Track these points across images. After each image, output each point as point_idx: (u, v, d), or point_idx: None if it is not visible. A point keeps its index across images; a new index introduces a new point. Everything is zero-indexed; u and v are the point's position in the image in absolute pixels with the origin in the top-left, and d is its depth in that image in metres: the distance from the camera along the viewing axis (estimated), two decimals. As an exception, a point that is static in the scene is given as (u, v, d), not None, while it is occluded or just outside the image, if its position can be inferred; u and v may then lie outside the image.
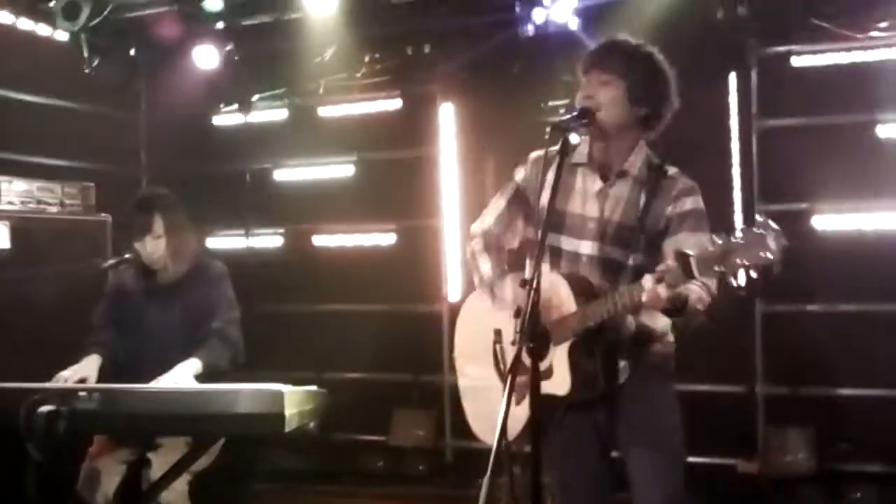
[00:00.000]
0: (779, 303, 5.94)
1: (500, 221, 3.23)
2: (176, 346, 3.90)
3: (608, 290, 2.87)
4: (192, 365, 3.81)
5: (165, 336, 4.03)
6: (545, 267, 2.97)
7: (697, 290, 2.76)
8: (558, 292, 2.93)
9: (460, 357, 3.35)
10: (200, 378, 3.77)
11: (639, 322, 2.97)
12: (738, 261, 2.42)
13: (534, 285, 2.53)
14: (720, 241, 2.47)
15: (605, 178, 3.01)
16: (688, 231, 2.89)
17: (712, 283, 2.80)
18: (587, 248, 2.98)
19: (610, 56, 2.96)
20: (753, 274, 2.46)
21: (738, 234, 2.44)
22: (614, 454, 3.11)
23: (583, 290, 2.89)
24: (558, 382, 2.91)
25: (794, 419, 5.78)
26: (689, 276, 2.52)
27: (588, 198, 3.01)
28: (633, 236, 2.93)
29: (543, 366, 2.94)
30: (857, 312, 5.66)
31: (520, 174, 3.18)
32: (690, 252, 2.52)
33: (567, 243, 3.02)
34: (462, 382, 3.30)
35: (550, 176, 3.05)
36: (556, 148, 3.10)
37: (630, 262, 2.94)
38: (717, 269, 2.46)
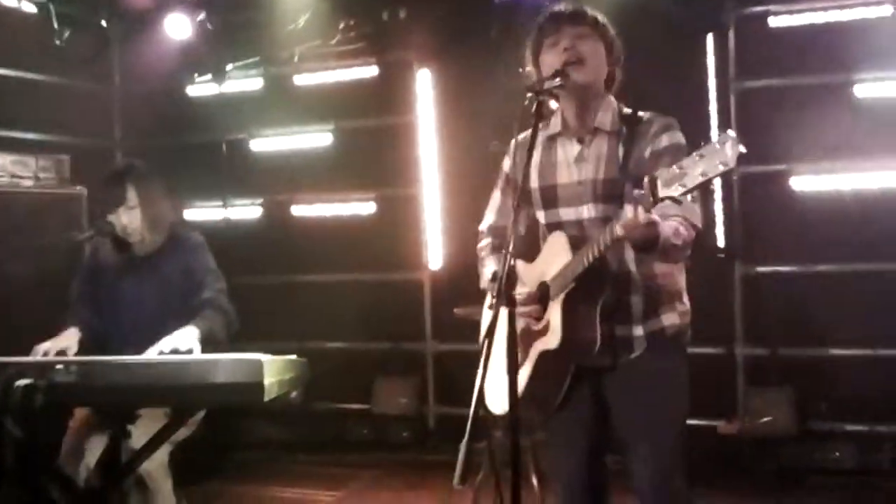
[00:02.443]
0: (758, 264, 5.96)
1: (501, 213, 3.27)
2: (153, 318, 3.86)
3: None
4: (191, 332, 3.75)
5: (142, 308, 4.00)
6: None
7: (673, 225, 2.75)
8: (555, 247, 2.95)
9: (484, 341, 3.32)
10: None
11: (643, 272, 2.93)
12: (697, 173, 2.43)
13: (509, 249, 2.52)
14: (684, 161, 2.48)
15: (581, 141, 3.01)
16: (665, 167, 2.87)
17: (695, 216, 2.82)
18: (584, 212, 2.98)
19: (580, 14, 2.97)
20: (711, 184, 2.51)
21: (699, 151, 2.45)
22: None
23: (578, 242, 2.88)
24: (551, 336, 2.90)
25: (774, 380, 5.83)
26: (656, 197, 2.52)
27: (571, 164, 3.01)
28: (621, 189, 2.91)
29: (542, 324, 2.95)
30: (835, 273, 5.69)
31: (506, 163, 3.21)
32: (657, 174, 2.53)
33: (566, 214, 3.02)
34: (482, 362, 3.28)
35: (536, 156, 3.06)
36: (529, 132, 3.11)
37: None
38: (679, 185, 2.47)
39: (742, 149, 2.40)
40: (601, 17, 3.01)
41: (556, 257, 2.93)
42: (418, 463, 6.22)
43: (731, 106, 5.92)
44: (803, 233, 5.70)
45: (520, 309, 2.82)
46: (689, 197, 2.67)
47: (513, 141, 3.13)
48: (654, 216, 2.59)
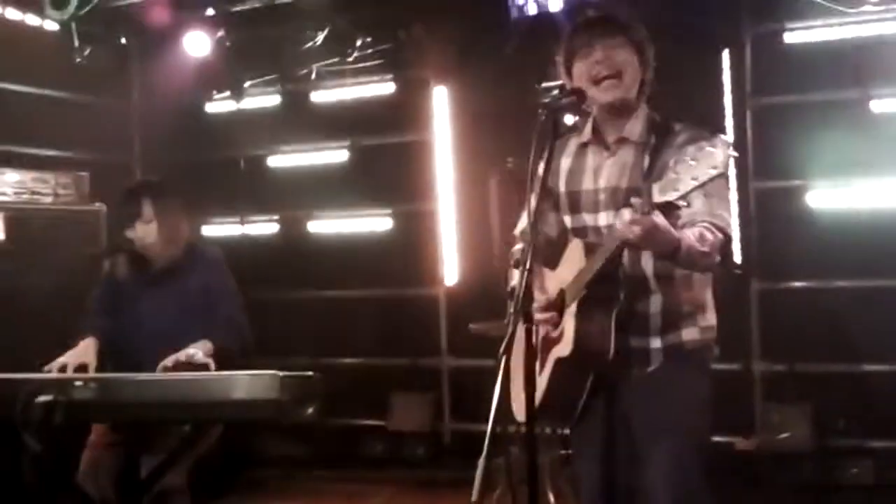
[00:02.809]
0: (774, 280, 5.95)
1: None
2: (170, 332, 3.87)
3: None
4: (205, 345, 3.78)
5: (160, 322, 4.02)
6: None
7: (698, 231, 2.73)
8: (573, 254, 2.95)
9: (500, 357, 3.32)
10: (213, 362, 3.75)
11: (661, 282, 2.90)
12: (690, 178, 2.43)
13: (527, 265, 2.52)
14: (678, 166, 2.47)
15: (608, 150, 3.01)
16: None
17: (722, 220, 2.79)
18: (603, 218, 2.98)
19: (612, 23, 2.95)
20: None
21: (692, 156, 2.45)
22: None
23: (595, 248, 2.87)
24: (564, 343, 2.87)
25: (791, 396, 5.80)
26: (653, 203, 2.51)
27: (596, 171, 3.01)
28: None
29: (558, 331, 2.93)
30: (851, 288, 5.68)
31: (541, 167, 3.17)
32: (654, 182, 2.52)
33: (589, 219, 3.02)
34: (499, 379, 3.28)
35: (566, 161, 3.07)
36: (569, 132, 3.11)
37: None
38: (672, 190, 2.47)
39: (733, 153, 2.41)
40: (632, 20, 2.98)
41: (573, 264, 2.93)
42: (434, 479, 6.20)
43: (748, 122, 5.92)
44: (820, 249, 5.69)
45: (538, 316, 2.81)
46: (714, 201, 2.68)
47: (549, 146, 3.11)
48: (656, 219, 2.56)
